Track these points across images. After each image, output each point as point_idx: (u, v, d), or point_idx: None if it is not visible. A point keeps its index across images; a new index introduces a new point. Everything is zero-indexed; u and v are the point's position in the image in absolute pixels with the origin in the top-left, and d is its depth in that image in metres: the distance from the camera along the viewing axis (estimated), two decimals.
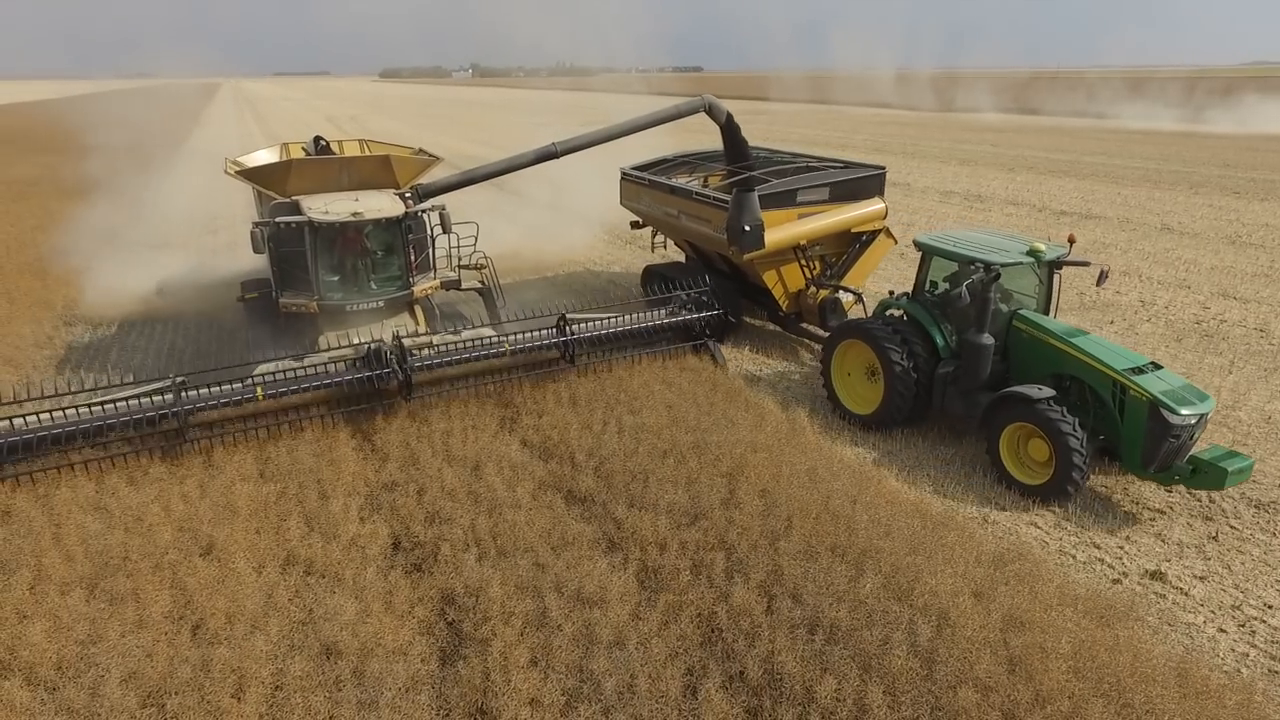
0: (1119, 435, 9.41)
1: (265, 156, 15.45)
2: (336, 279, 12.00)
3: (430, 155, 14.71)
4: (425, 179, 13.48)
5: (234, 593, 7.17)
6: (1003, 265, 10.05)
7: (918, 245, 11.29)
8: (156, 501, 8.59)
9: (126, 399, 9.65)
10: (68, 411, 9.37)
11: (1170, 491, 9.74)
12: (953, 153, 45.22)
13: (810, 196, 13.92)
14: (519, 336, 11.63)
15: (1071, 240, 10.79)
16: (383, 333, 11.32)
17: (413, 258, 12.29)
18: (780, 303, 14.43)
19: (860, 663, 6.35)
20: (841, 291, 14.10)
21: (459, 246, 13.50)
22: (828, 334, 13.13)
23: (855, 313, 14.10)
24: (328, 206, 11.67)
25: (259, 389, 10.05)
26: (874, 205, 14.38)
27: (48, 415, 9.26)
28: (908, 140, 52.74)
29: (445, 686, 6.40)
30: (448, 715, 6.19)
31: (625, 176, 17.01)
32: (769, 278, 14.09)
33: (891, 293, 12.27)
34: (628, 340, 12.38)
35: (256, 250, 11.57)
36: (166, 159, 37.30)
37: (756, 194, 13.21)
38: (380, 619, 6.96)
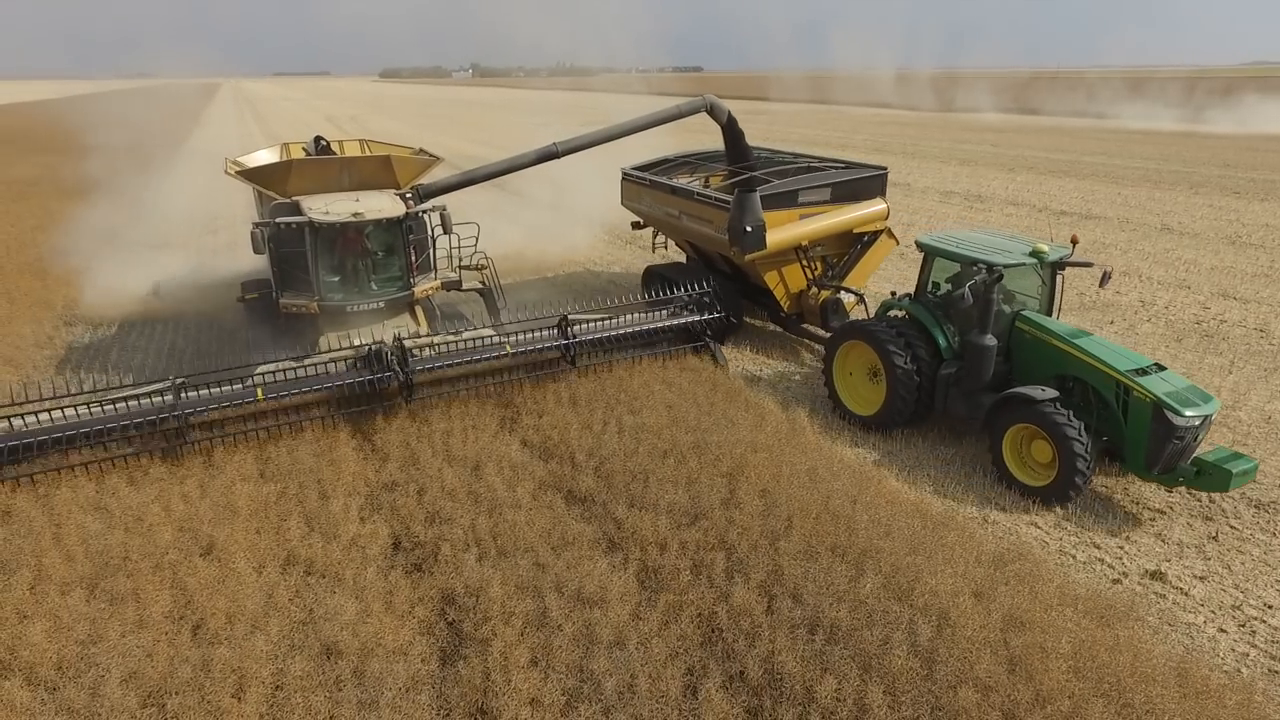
0: (1123, 437, 9.38)
1: (265, 157, 15.43)
2: (337, 279, 11.98)
3: (431, 155, 14.69)
4: (426, 179, 13.46)
5: (234, 593, 7.18)
6: (1006, 266, 10.01)
7: (920, 246, 11.25)
8: (157, 501, 8.60)
9: (126, 399, 9.64)
10: (67, 413, 9.36)
11: (1170, 492, 9.74)
12: (953, 153, 45.23)
13: (812, 197, 13.89)
14: (520, 338, 11.59)
15: (1075, 241, 10.76)
16: (383, 333, 11.30)
17: (413, 258, 12.26)
18: (782, 303, 14.41)
19: (860, 663, 6.35)
20: (843, 292, 14.07)
21: (460, 247, 13.47)
22: (829, 335, 13.10)
23: (857, 313, 14.09)
24: (328, 207, 11.65)
25: (259, 390, 10.02)
26: (876, 206, 14.35)
27: (47, 417, 9.25)
28: (908, 140, 52.74)
29: (445, 686, 6.40)
30: (448, 715, 6.20)
31: (626, 177, 16.98)
32: (770, 278, 14.07)
33: (894, 293, 12.24)
34: (630, 342, 12.35)
35: (257, 251, 11.54)
36: (167, 159, 37.31)
37: (758, 194, 13.20)
38: (380, 619, 6.97)
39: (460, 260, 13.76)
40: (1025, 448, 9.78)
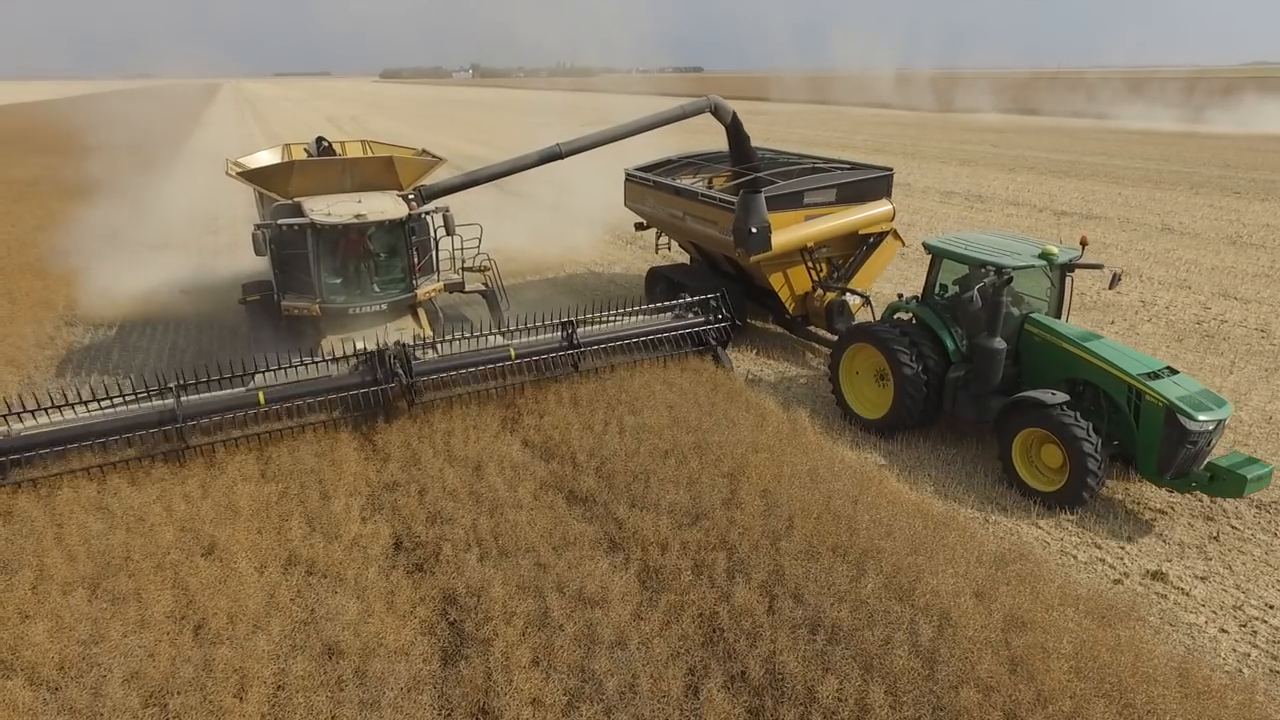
0: (1134, 441, 9.27)
1: (267, 158, 15.35)
2: (339, 281, 11.91)
3: (433, 156, 14.63)
4: (428, 180, 13.42)
5: (236, 593, 7.18)
6: (1015, 268, 9.92)
7: (927, 248, 11.18)
8: (158, 501, 8.60)
9: (126, 403, 9.59)
10: (67, 418, 9.30)
11: (1186, 495, 9.64)
12: (953, 153, 45.24)
13: (817, 198, 13.84)
14: (525, 340, 11.48)
15: (1084, 243, 10.68)
16: (385, 336, 11.24)
17: (416, 260, 12.20)
18: (787, 305, 14.35)
19: (862, 663, 6.36)
20: (849, 294, 14.02)
21: (462, 248, 13.40)
22: (835, 337, 13.06)
23: (863, 315, 14.04)
24: (330, 208, 11.59)
25: (260, 394, 9.94)
26: (881, 207, 14.29)
27: (48, 420, 9.21)
28: (908, 141, 52.75)
29: (447, 686, 6.41)
30: (449, 715, 6.20)
31: (630, 178, 16.93)
32: (775, 280, 14.01)
33: (900, 296, 12.18)
34: (635, 347, 12.26)
35: (258, 253, 11.47)
36: (167, 159, 37.32)
37: (763, 195, 13.15)
38: (382, 619, 6.97)
39: (463, 262, 13.69)
40: (1035, 452, 9.67)
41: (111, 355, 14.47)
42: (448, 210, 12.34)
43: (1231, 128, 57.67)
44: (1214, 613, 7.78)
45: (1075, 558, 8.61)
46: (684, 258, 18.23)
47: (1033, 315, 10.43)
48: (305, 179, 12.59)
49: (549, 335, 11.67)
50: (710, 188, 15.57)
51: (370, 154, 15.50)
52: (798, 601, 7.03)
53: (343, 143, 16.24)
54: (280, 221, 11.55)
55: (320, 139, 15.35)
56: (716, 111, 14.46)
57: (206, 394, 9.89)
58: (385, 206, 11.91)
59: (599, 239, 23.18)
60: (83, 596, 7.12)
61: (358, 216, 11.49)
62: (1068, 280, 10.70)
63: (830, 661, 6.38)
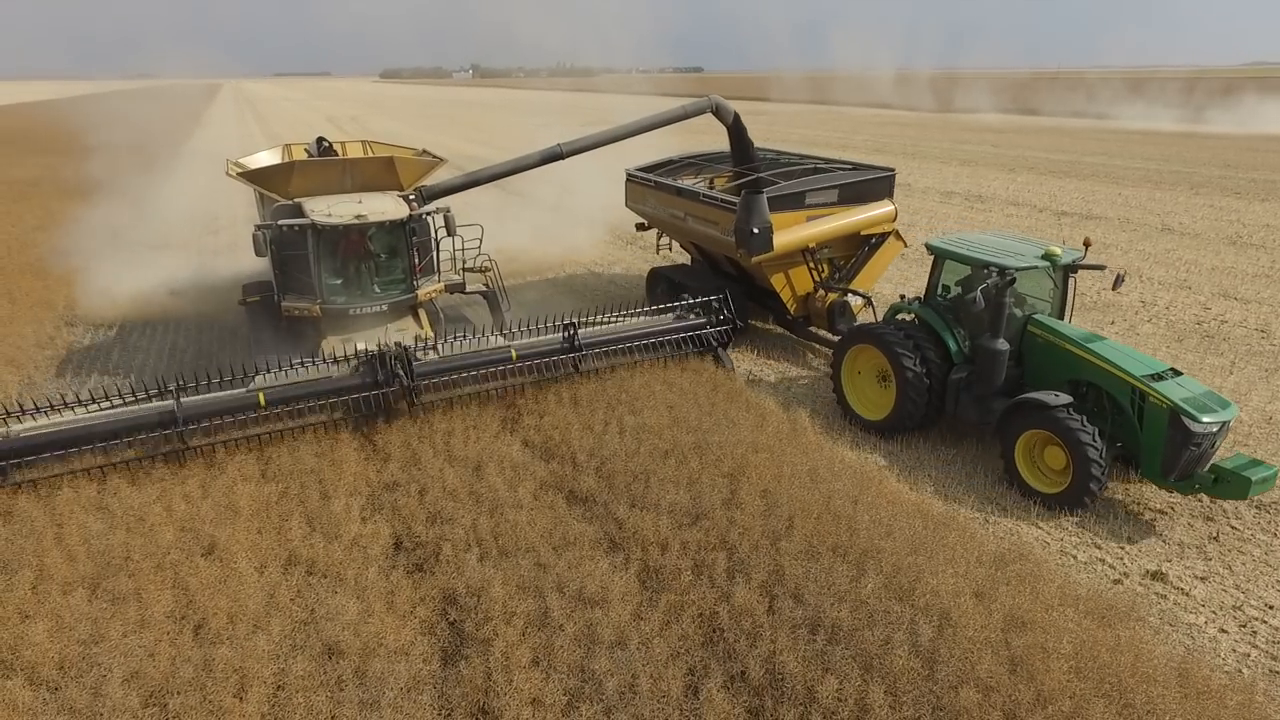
0: (1138, 443, 9.23)
1: (267, 158, 15.35)
2: (339, 282, 11.88)
3: (434, 157, 14.61)
4: (429, 180, 13.41)
5: (236, 593, 7.18)
6: (1018, 269, 9.89)
7: (930, 249, 11.16)
8: (158, 501, 8.60)
9: (126, 405, 9.57)
10: (68, 421, 9.28)
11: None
12: (953, 153, 45.24)
13: (819, 199, 13.81)
14: (526, 341, 11.44)
15: (1087, 244, 10.63)
16: (386, 337, 11.22)
17: (417, 261, 12.17)
18: (788, 306, 14.32)
19: (862, 663, 6.36)
20: (851, 295, 13.99)
21: (463, 249, 13.36)
22: (836, 338, 13.02)
23: (864, 316, 14.00)
24: (331, 209, 11.57)
25: (260, 395, 9.91)
26: (883, 208, 14.26)
27: (48, 423, 9.20)
28: (908, 141, 52.76)
29: (447, 686, 6.41)
30: (449, 715, 6.20)
31: (631, 178, 16.91)
32: (777, 281, 13.99)
33: (903, 297, 12.13)
34: (636, 350, 12.21)
35: (259, 254, 11.44)
36: (168, 159, 37.33)
37: (766, 196, 13.12)
38: (382, 619, 6.97)
39: (464, 262, 13.65)
40: (1038, 454, 9.64)
41: (112, 355, 14.47)
42: (449, 211, 12.31)
43: (1231, 128, 57.69)
44: (1214, 613, 7.79)
45: (1075, 558, 8.61)
46: (685, 258, 18.22)
47: (1036, 316, 10.39)
48: (306, 179, 12.57)
49: (550, 337, 11.62)
50: (712, 188, 15.56)
51: (371, 154, 15.49)
52: (798, 601, 7.03)
53: (343, 143, 16.24)
54: (281, 222, 11.52)
55: (321, 139, 15.35)
56: (718, 112, 14.44)
57: (207, 395, 9.85)
58: (386, 207, 11.89)
59: (599, 239, 23.18)
60: (83, 596, 7.12)
61: (358, 217, 11.48)
62: (1071, 281, 10.66)
63: (830, 661, 6.38)
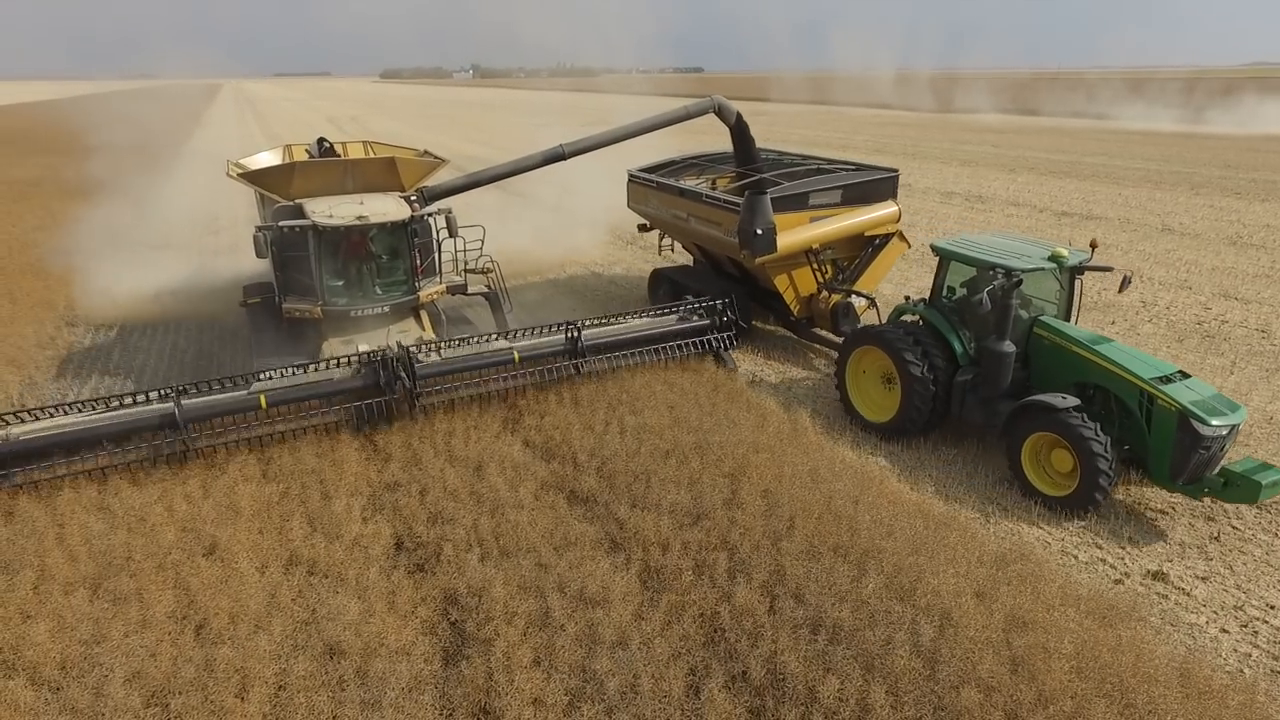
0: (1146, 446, 9.16)
1: (268, 158, 15.31)
2: (341, 284, 11.84)
3: (436, 157, 14.58)
4: (431, 181, 13.39)
5: (237, 593, 7.19)
6: (1024, 271, 9.83)
7: (935, 250, 11.10)
8: (159, 502, 8.61)
9: (125, 407, 9.55)
10: (69, 424, 9.25)
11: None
12: (953, 153, 45.24)
13: (823, 199, 13.75)
14: (528, 343, 11.41)
15: (1094, 245, 10.56)
16: (388, 339, 11.19)
17: (418, 262, 12.13)
18: (792, 307, 14.27)
19: (863, 663, 6.36)
20: (854, 296, 13.94)
21: (465, 250, 13.33)
22: (840, 339, 12.97)
23: (868, 318, 13.93)
24: (332, 210, 11.54)
25: (262, 397, 9.87)
26: (887, 208, 14.21)
27: (48, 426, 9.18)
28: (908, 141, 52.76)
29: (448, 686, 6.41)
30: (451, 715, 6.21)
31: (633, 179, 16.86)
32: (780, 282, 13.94)
33: (908, 298, 12.08)
34: (641, 353, 12.19)
35: (260, 255, 11.36)
36: (168, 159, 37.34)
37: (769, 197, 13.07)
38: (383, 619, 6.98)
39: (465, 264, 13.61)
40: (1045, 456, 9.58)
41: (112, 356, 14.47)
42: (450, 212, 12.26)
43: (1231, 128, 57.67)
44: (1215, 613, 7.79)
45: (1076, 558, 8.61)
46: (687, 259, 18.20)
47: (1042, 318, 10.33)
48: (307, 180, 12.53)
49: (553, 339, 11.56)
50: (714, 189, 15.53)
51: (372, 155, 15.45)
52: (799, 601, 7.03)
53: (344, 144, 16.20)
54: (282, 223, 11.48)
55: (322, 140, 15.31)
56: (720, 112, 14.41)
57: (208, 397, 9.83)
58: (387, 208, 11.86)
59: (601, 240, 23.17)
60: (84, 596, 7.13)
61: (360, 218, 11.44)
62: (1077, 283, 10.60)
63: (831, 661, 6.38)
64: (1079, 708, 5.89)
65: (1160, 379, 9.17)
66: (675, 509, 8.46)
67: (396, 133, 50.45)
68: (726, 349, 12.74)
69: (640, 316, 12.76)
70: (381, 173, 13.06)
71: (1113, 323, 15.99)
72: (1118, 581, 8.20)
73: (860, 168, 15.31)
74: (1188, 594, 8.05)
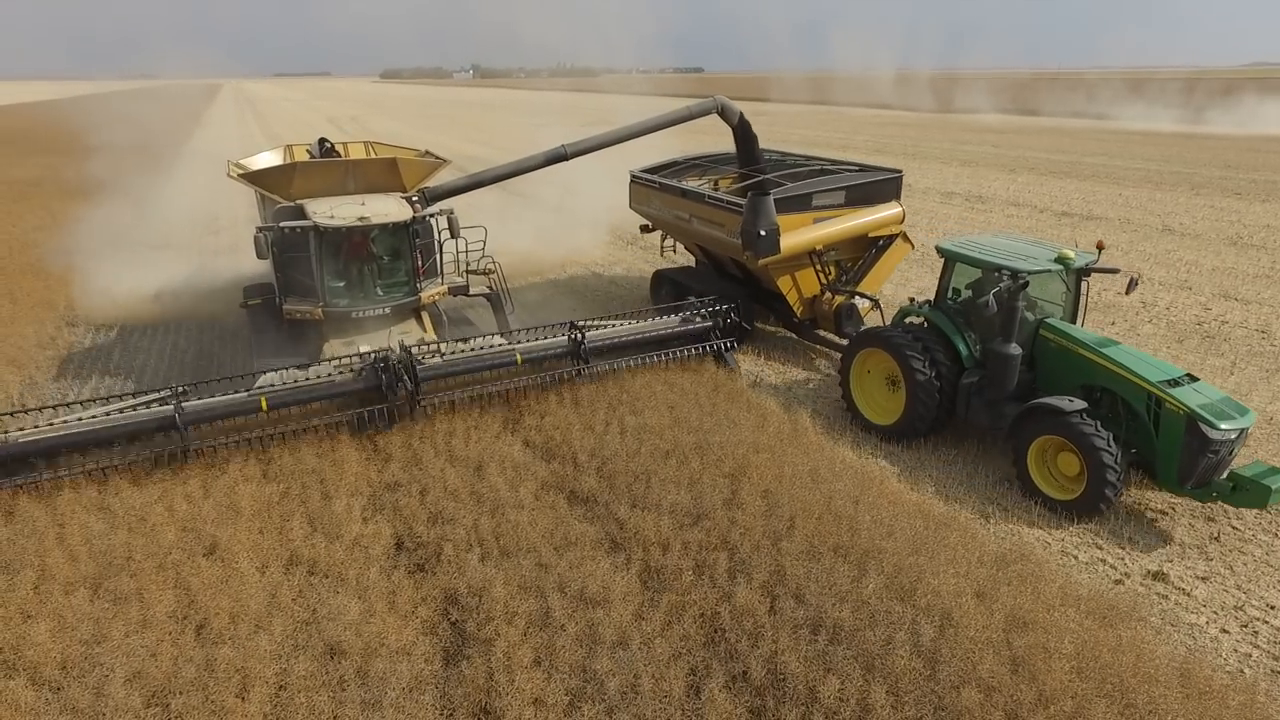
0: (1154, 450, 9.10)
1: (269, 159, 15.27)
2: (342, 285, 11.80)
3: (437, 158, 14.55)
4: (432, 182, 13.37)
5: (238, 593, 7.19)
6: (1030, 273, 9.77)
7: (940, 252, 11.04)
8: (160, 502, 8.61)
9: (125, 410, 9.55)
10: (69, 426, 9.24)
11: (1211, 503, 9.44)
12: (954, 154, 45.25)
13: (826, 200, 13.69)
14: (530, 345, 11.37)
15: (1100, 246, 10.49)
16: (389, 340, 11.16)
17: (420, 263, 12.10)
18: (795, 309, 14.22)
19: (863, 663, 6.36)
20: (858, 297, 13.89)
21: (467, 251, 13.29)
22: (843, 341, 12.91)
23: (872, 319, 13.87)
24: (333, 211, 11.50)
25: (263, 399, 9.84)
26: (891, 209, 14.16)
27: (49, 427, 9.17)
28: (908, 141, 52.77)
29: (449, 686, 6.42)
30: (451, 715, 6.21)
31: (635, 179, 16.81)
32: (783, 283, 13.89)
33: (912, 300, 12.01)
34: (643, 352, 12.15)
35: (260, 256, 11.32)
36: (168, 160, 37.34)
37: (772, 198, 13.02)
38: (384, 619, 6.98)
39: (467, 264, 13.57)
40: (1051, 460, 9.53)
41: (113, 356, 14.47)
42: (452, 212, 12.22)
43: (1231, 129, 57.70)
44: (1215, 613, 7.79)
45: (1076, 558, 8.62)
46: (689, 260, 18.18)
47: (1048, 320, 10.28)
48: (308, 181, 12.52)
49: (556, 341, 11.52)
50: (716, 190, 15.50)
51: (373, 156, 15.43)
52: (799, 602, 7.04)
53: (345, 144, 16.17)
54: (283, 224, 11.44)
55: (323, 140, 15.28)
56: (723, 113, 14.37)
57: (209, 399, 9.80)
58: (389, 209, 11.82)
59: (602, 240, 23.18)
60: (85, 596, 7.13)
61: (361, 219, 11.40)
62: (1083, 285, 10.54)
63: (832, 662, 6.39)
64: (1079, 708, 5.89)
65: (1168, 382, 9.11)
66: (675, 509, 8.46)
67: (396, 133, 50.45)
68: (729, 349, 12.73)
69: (643, 318, 12.72)
70: (383, 173, 13.04)
71: (1113, 323, 15.99)
72: (1118, 582, 8.20)
73: (864, 168, 15.26)
74: (1188, 594, 8.05)
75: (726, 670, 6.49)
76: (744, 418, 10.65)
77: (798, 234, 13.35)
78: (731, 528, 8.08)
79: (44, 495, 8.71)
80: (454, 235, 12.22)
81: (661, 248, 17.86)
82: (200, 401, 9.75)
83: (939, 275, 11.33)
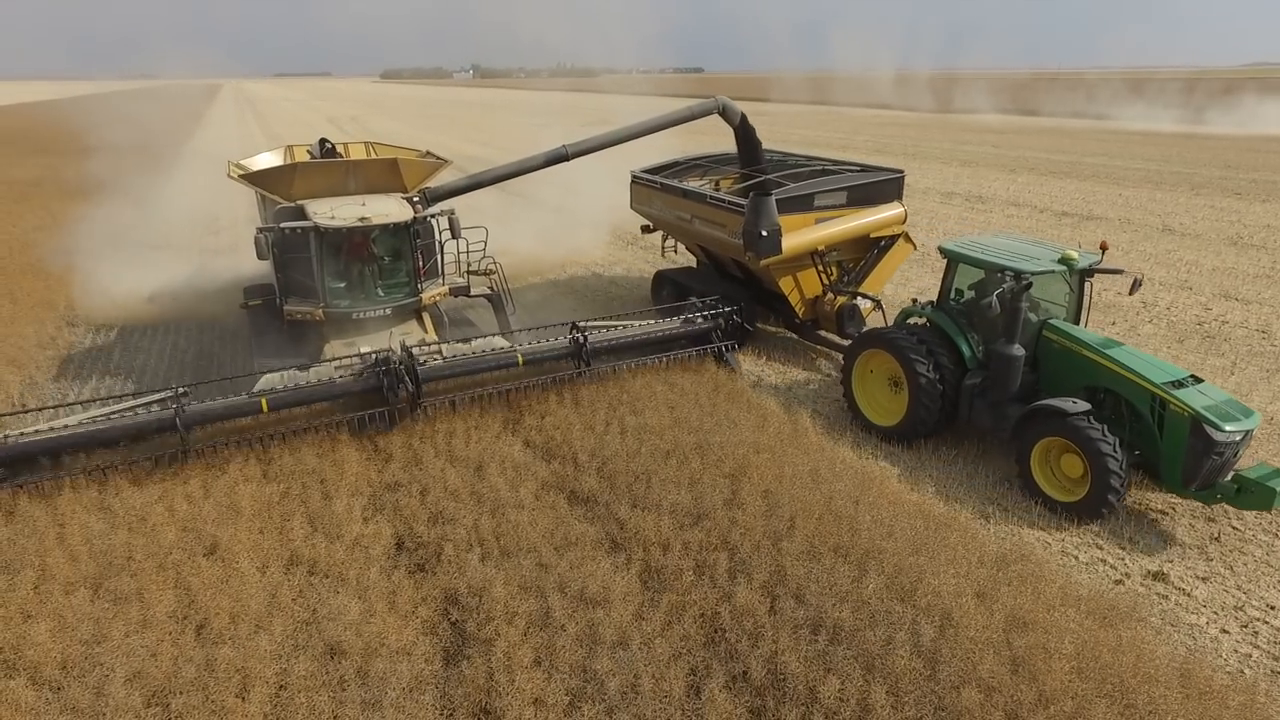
0: (1158, 452, 9.05)
1: (269, 159, 15.21)
2: (343, 286, 11.77)
3: (438, 158, 14.53)
4: (433, 182, 13.34)
5: (238, 593, 7.19)
6: (1034, 274, 9.73)
7: (943, 252, 11.00)
8: (160, 502, 8.61)
9: (126, 411, 9.54)
10: (69, 428, 9.23)
11: (1214, 505, 9.45)
12: (954, 154, 45.26)
13: (828, 201, 13.66)
14: (532, 347, 11.35)
15: (1104, 247, 10.44)
16: (390, 341, 11.15)
17: (421, 264, 12.07)
18: (796, 309, 14.19)
19: (863, 663, 6.36)
20: (860, 298, 13.86)
21: (468, 252, 13.28)
22: (845, 341, 12.88)
23: (874, 320, 13.85)
24: (334, 211, 11.48)
25: (263, 401, 9.82)
26: (893, 210, 14.13)
27: (48, 429, 9.17)
28: (909, 141, 52.77)
29: (449, 686, 6.42)
30: (452, 715, 6.21)
31: (636, 180, 16.77)
32: (785, 284, 13.86)
33: (915, 300, 11.97)
34: (646, 353, 12.11)
35: (261, 257, 11.26)
36: (169, 160, 37.34)
37: (774, 198, 13.00)
38: (384, 619, 6.98)
39: (468, 265, 13.54)
40: (1054, 462, 9.50)
41: (113, 356, 14.47)
42: (453, 213, 12.19)
43: (1232, 129, 57.72)
44: (1215, 613, 7.79)
45: (1076, 558, 8.62)
46: (690, 260, 18.17)
47: (1051, 321, 10.24)
48: (308, 181, 12.50)
49: (558, 342, 11.50)
50: (718, 190, 15.48)
51: (374, 156, 15.41)
52: (799, 602, 7.04)
53: (346, 145, 16.14)
54: (283, 225, 11.41)
55: (323, 141, 15.26)
56: (725, 113, 14.35)
57: (209, 402, 9.78)
58: (390, 209, 11.80)
59: (602, 240, 23.17)
60: (85, 596, 7.13)
61: (362, 220, 11.38)
62: (1087, 286, 10.50)
63: (832, 662, 6.39)
64: (1079, 708, 5.89)
65: (1172, 384, 9.07)
66: (676, 509, 8.46)
67: (396, 133, 50.47)
68: (731, 350, 12.73)
69: (646, 320, 12.70)
70: (384, 174, 13.02)
71: (1113, 323, 15.99)
72: (1118, 582, 8.20)
73: (865, 168, 15.23)
74: (1188, 594, 8.06)
75: (727, 670, 6.49)
76: (744, 418, 10.65)
77: (800, 234, 13.31)
78: (732, 528, 8.08)
79: (44, 495, 8.71)
80: (455, 236, 12.19)
81: (663, 248, 17.83)
82: (201, 404, 9.70)
83: (941, 276, 11.30)
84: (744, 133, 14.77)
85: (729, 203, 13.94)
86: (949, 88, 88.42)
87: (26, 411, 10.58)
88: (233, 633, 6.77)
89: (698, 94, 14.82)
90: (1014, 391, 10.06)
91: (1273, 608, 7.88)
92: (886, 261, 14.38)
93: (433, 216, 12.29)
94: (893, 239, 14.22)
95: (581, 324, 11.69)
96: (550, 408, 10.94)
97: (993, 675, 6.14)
